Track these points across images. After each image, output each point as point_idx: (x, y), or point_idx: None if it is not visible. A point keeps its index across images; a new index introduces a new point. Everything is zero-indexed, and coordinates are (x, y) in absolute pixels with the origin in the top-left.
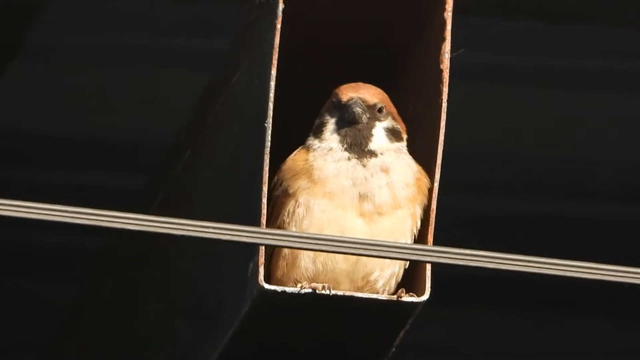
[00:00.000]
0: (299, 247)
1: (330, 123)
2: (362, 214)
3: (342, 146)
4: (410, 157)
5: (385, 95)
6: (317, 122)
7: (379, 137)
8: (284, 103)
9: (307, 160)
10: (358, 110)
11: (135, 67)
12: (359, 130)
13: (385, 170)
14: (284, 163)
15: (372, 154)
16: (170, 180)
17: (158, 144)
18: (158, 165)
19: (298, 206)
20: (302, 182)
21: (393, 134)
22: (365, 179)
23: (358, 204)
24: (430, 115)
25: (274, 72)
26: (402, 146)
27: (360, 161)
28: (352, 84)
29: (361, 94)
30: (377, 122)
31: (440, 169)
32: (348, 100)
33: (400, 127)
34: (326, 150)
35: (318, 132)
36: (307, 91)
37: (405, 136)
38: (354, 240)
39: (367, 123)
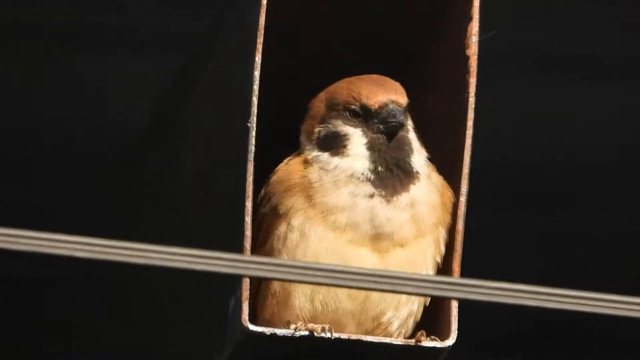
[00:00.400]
0: (292, 279)
1: (357, 136)
2: (375, 248)
3: (376, 169)
4: (433, 167)
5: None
6: (320, 130)
7: (417, 151)
8: (272, 99)
9: (305, 176)
10: (402, 118)
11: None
12: (399, 141)
13: (410, 205)
14: (274, 173)
15: (410, 181)
16: (131, 197)
17: (119, 145)
18: (112, 174)
19: (291, 230)
20: (296, 201)
21: (420, 142)
22: (388, 219)
23: (370, 242)
24: (454, 113)
25: (258, 58)
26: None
27: (385, 199)
28: (372, 81)
29: (392, 95)
30: (409, 127)
31: (467, 181)
32: (383, 107)
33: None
34: (341, 171)
35: (330, 146)
36: (300, 85)
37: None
38: (362, 272)
39: (406, 133)
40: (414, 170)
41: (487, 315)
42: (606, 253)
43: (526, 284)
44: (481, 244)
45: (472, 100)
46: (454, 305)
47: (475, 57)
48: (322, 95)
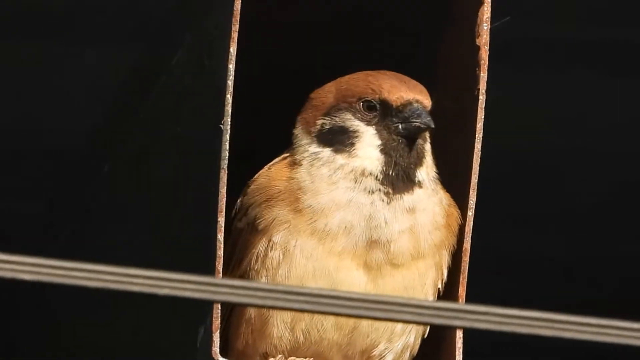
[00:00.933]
0: (272, 305)
1: (369, 135)
2: (366, 265)
3: (385, 171)
4: (441, 186)
5: None
6: (324, 123)
7: (428, 157)
8: (249, 96)
9: (292, 178)
10: (428, 120)
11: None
12: (415, 149)
13: (411, 210)
14: (252, 180)
15: (412, 187)
16: (81, 208)
17: (62, 153)
18: (62, 184)
19: (272, 248)
20: (279, 212)
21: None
22: (386, 222)
23: (363, 252)
24: (462, 113)
25: (233, 49)
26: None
27: (387, 197)
28: (394, 77)
29: (417, 94)
30: (427, 139)
31: (476, 192)
32: (406, 104)
33: None
34: (344, 168)
35: (334, 142)
36: (284, 80)
37: None
38: (352, 296)
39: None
40: (421, 181)
41: (499, 344)
42: (633, 278)
43: (541, 310)
44: (490, 265)
45: (482, 98)
46: (459, 335)
47: (487, 47)
48: (332, 84)
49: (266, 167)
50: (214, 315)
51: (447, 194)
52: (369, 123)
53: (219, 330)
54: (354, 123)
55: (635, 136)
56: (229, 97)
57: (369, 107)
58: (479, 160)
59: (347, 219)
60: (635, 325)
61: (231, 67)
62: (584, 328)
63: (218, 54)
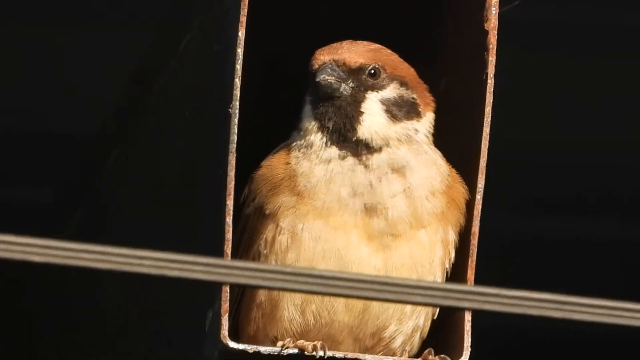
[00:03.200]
0: (281, 286)
1: (307, 104)
2: (370, 237)
3: (323, 136)
4: (436, 149)
5: (387, 53)
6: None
7: (372, 115)
8: (258, 81)
9: (288, 163)
10: (329, 79)
11: (32, 27)
12: (339, 107)
13: (398, 170)
14: (258, 169)
15: (368, 145)
16: (91, 192)
17: (72, 141)
18: (72, 171)
19: (280, 233)
20: (284, 199)
21: (400, 109)
22: (371, 184)
23: (363, 221)
24: (471, 97)
25: (242, 34)
26: (420, 129)
27: (359, 159)
28: (333, 45)
29: (339, 54)
30: (368, 92)
31: (484, 175)
32: (320, 66)
33: (419, 98)
34: (308, 147)
35: (297, 121)
36: (294, 65)
37: (428, 114)
38: (362, 278)
39: (350, 95)
40: (362, 137)
41: (507, 327)
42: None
43: (550, 292)
44: (499, 249)
45: (490, 82)
46: (467, 317)
47: (495, 32)
48: None
49: (269, 156)
50: (223, 299)
51: (453, 170)
52: (307, 94)
53: (227, 313)
54: (305, 98)
55: None
56: (238, 82)
57: (309, 78)
58: (487, 144)
59: (336, 191)
60: None
61: (240, 51)
62: (594, 310)
63: (227, 39)
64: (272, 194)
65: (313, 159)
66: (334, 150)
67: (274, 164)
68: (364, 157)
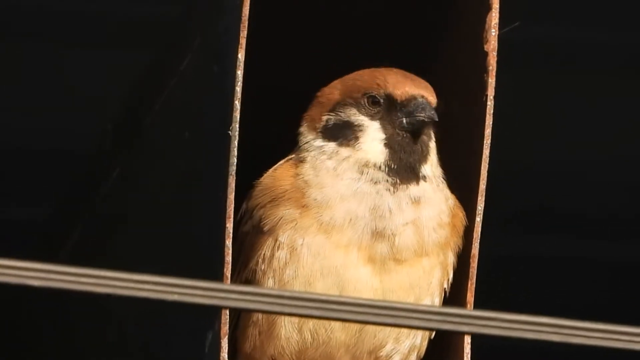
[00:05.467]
0: (279, 310)
1: (373, 129)
2: (371, 259)
3: (389, 164)
4: (447, 185)
5: None
6: (329, 118)
7: (433, 154)
8: (258, 102)
9: (298, 175)
10: (432, 113)
11: (35, 44)
12: (418, 144)
13: (416, 201)
14: (257, 183)
15: (417, 180)
16: (89, 212)
17: (71, 159)
18: (71, 189)
19: (279, 248)
20: (285, 211)
21: (439, 152)
22: (390, 211)
23: (369, 245)
24: (471, 118)
25: (241, 55)
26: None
27: (394, 187)
28: (400, 73)
29: (422, 89)
30: (432, 137)
31: (484, 197)
32: (411, 99)
33: None
34: (348, 159)
35: (338, 136)
36: (291, 85)
37: None
38: (359, 302)
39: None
40: (426, 176)
41: (507, 350)
42: None
43: (549, 316)
44: (498, 271)
45: (490, 104)
46: (467, 340)
47: (495, 53)
48: (338, 81)
49: (271, 169)
50: (222, 321)
51: (453, 194)
52: (373, 117)
53: (227, 336)
54: (359, 118)
55: None
56: (237, 104)
57: (374, 101)
58: (487, 166)
59: (352, 209)
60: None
61: (239, 73)
62: (592, 334)
63: (226, 60)
64: (272, 206)
65: (345, 174)
66: (380, 175)
67: (278, 175)
68: (400, 186)
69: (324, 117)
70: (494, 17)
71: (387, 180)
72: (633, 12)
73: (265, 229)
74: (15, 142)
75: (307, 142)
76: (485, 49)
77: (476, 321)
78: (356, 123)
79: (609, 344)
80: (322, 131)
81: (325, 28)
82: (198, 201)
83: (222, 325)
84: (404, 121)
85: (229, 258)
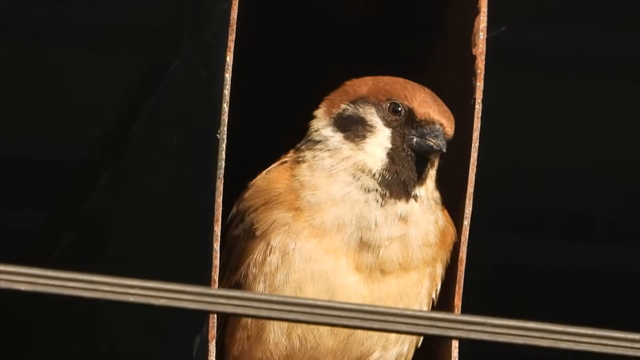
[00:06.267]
0: (267, 315)
1: (383, 135)
2: (358, 267)
3: (384, 174)
4: (441, 205)
5: None
6: (346, 108)
7: (432, 181)
8: (249, 105)
9: (294, 176)
10: (443, 144)
11: (21, 49)
12: (420, 166)
13: (404, 218)
14: (249, 186)
15: (407, 198)
16: (77, 219)
17: (58, 165)
18: (60, 196)
19: (271, 252)
20: (279, 214)
21: (436, 185)
22: (376, 224)
23: (354, 252)
24: (458, 122)
25: (229, 59)
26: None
27: (383, 199)
28: (430, 95)
29: (445, 118)
30: (435, 166)
31: (472, 202)
32: (430, 122)
33: None
34: (346, 160)
35: (348, 129)
36: (284, 88)
37: None
38: (347, 307)
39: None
40: (417, 196)
41: (495, 355)
42: (631, 287)
43: (537, 321)
44: (486, 275)
45: (478, 107)
46: (454, 345)
47: (483, 57)
48: (370, 78)
49: (264, 172)
50: (210, 325)
51: (446, 213)
52: (388, 124)
53: (215, 340)
54: (375, 119)
55: (632, 146)
56: (226, 107)
57: (395, 110)
58: (475, 169)
59: (340, 215)
60: (631, 335)
61: (228, 76)
62: (581, 339)
63: (215, 64)
64: (266, 209)
65: (334, 175)
66: (372, 183)
67: (273, 177)
68: (390, 200)
69: (343, 106)
70: (482, 21)
71: (377, 190)
72: (622, 17)
73: (258, 233)
74: (2, 149)
75: (317, 130)
76: (473, 53)
77: (464, 326)
78: (370, 123)
79: (597, 349)
80: (336, 118)
81: (315, 31)
82: (187, 206)
83: (209, 329)
84: (414, 140)
85: (217, 262)
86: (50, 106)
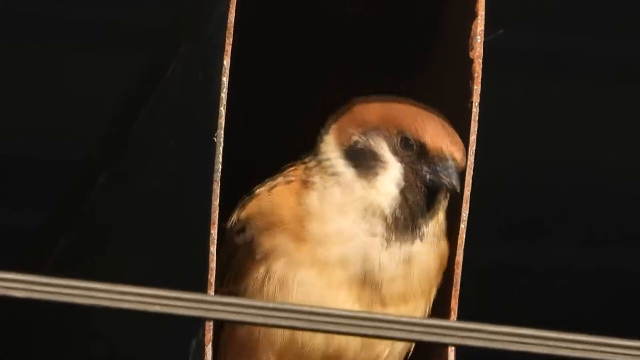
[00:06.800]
0: (262, 322)
1: (396, 172)
2: (358, 300)
3: (395, 214)
4: (445, 237)
5: None
6: (358, 141)
7: (441, 213)
8: (248, 104)
9: (300, 204)
10: (456, 182)
11: (17, 48)
12: (430, 201)
13: (407, 261)
14: (252, 195)
15: (414, 238)
16: (76, 219)
17: (58, 166)
18: (58, 197)
19: (269, 279)
20: (281, 241)
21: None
22: (380, 266)
23: (357, 288)
24: (456, 125)
25: (227, 62)
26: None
27: (389, 242)
28: (441, 125)
29: (456, 151)
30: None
31: (469, 204)
32: (442, 158)
33: None
34: (359, 199)
35: (360, 164)
36: (284, 87)
37: None
38: (342, 314)
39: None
40: (425, 234)
41: None
42: (625, 293)
43: (534, 327)
44: (483, 279)
45: (475, 110)
46: (451, 350)
47: (480, 60)
48: (380, 105)
49: (267, 185)
50: (206, 328)
51: (447, 242)
52: (400, 160)
53: (211, 343)
54: (386, 154)
55: (629, 148)
56: (223, 110)
57: (407, 144)
58: (472, 173)
59: (345, 253)
60: (627, 342)
61: (225, 79)
62: (576, 345)
63: (212, 67)
64: (269, 234)
65: (345, 213)
66: (381, 225)
67: (278, 202)
68: (395, 243)
69: (354, 138)
70: (479, 24)
71: (385, 233)
72: (620, 19)
73: (258, 257)
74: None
75: (328, 159)
76: (470, 56)
77: (459, 332)
78: (382, 159)
79: (593, 355)
80: (348, 150)
81: (315, 31)
82: (185, 208)
83: (206, 332)
84: (427, 176)
85: (213, 264)
86: (49, 106)
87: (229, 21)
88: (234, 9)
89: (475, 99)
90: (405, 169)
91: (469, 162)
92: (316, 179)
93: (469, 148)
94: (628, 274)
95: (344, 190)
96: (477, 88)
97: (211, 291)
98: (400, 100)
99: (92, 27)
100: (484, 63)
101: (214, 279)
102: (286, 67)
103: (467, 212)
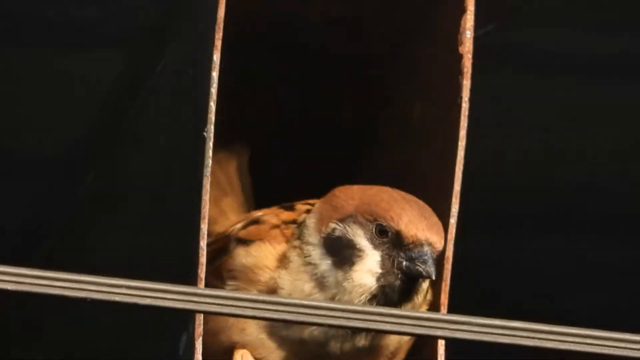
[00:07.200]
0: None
1: (373, 260)
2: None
3: (366, 301)
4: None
5: None
6: (335, 229)
7: (420, 294)
8: (235, 100)
9: (273, 279)
10: (431, 270)
11: (5, 50)
12: (408, 286)
13: (375, 347)
14: (244, 242)
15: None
16: (64, 216)
17: (45, 164)
18: (46, 194)
19: (242, 331)
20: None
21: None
22: (341, 348)
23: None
24: (445, 121)
25: (216, 57)
26: None
27: (351, 335)
28: (417, 209)
29: (432, 235)
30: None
31: (458, 200)
32: (418, 245)
33: None
34: (328, 296)
35: (337, 253)
36: (280, 85)
37: None
38: (331, 306)
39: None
40: None
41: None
42: (624, 285)
43: (522, 320)
44: (472, 273)
45: (465, 106)
46: (441, 343)
47: (470, 55)
48: (357, 192)
49: (257, 221)
50: (197, 322)
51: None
52: (376, 247)
53: (201, 337)
54: (363, 242)
55: (621, 143)
56: (213, 105)
57: (382, 232)
58: (462, 168)
59: (306, 339)
60: (616, 335)
61: (214, 74)
62: (566, 338)
63: (202, 62)
64: (246, 286)
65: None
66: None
67: (260, 258)
68: (362, 334)
69: (332, 225)
70: (469, 20)
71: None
72: (610, 17)
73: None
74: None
75: (307, 244)
76: (460, 51)
77: (450, 325)
78: (358, 247)
79: (582, 348)
80: (326, 238)
81: (301, 30)
82: (174, 205)
83: (196, 326)
84: (404, 264)
85: (203, 259)
86: (38, 104)
87: (218, 16)
88: (224, 4)
89: (465, 94)
90: (382, 256)
91: (458, 157)
92: (296, 250)
93: (459, 143)
94: (618, 268)
95: (317, 280)
96: (466, 83)
97: (201, 285)
98: (380, 188)
99: (80, 24)
100: (473, 58)
101: (204, 273)
102: (282, 64)
103: (456, 207)
